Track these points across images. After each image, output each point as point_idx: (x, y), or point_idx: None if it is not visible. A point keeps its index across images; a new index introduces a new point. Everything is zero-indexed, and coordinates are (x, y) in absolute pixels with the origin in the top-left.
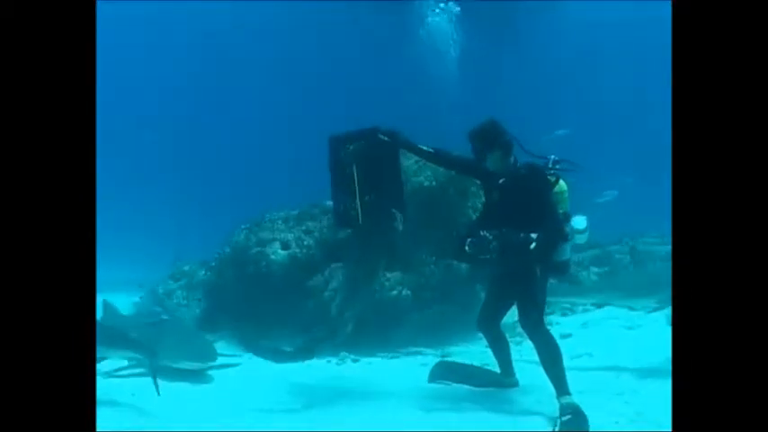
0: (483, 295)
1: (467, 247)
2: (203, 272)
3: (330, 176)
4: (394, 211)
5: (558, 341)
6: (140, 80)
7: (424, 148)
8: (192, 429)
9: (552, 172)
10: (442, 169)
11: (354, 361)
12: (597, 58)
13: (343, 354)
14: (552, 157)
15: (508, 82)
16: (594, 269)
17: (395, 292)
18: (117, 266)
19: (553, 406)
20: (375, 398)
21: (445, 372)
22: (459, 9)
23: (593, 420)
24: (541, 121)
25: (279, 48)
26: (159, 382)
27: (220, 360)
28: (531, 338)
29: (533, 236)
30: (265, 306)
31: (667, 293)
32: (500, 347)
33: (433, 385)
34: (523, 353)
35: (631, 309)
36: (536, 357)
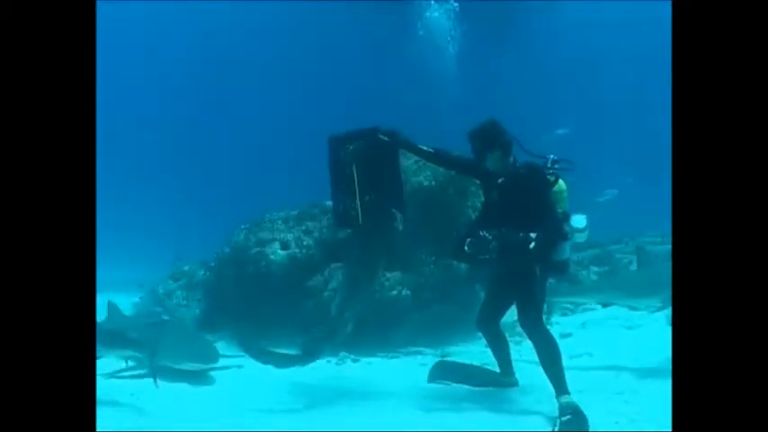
0: (482, 295)
1: (466, 247)
2: (203, 272)
3: (330, 176)
4: (394, 211)
5: (558, 341)
6: (140, 80)
7: (424, 147)
8: (192, 429)
9: (551, 171)
10: (441, 169)
11: (354, 361)
12: (597, 58)
13: (342, 354)
14: (551, 156)
15: (508, 81)
16: (594, 268)
17: (395, 292)
18: (117, 266)
19: (553, 406)
20: (375, 398)
21: (445, 372)
22: (457, 5)
23: (593, 420)
24: (541, 121)
25: (279, 48)
26: (159, 382)
27: (220, 360)
28: (531, 338)
29: (533, 235)
30: (265, 306)
31: (668, 293)
32: (499, 347)
33: (432, 385)
34: (523, 352)
35: (632, 308)
36: (535, 357)
